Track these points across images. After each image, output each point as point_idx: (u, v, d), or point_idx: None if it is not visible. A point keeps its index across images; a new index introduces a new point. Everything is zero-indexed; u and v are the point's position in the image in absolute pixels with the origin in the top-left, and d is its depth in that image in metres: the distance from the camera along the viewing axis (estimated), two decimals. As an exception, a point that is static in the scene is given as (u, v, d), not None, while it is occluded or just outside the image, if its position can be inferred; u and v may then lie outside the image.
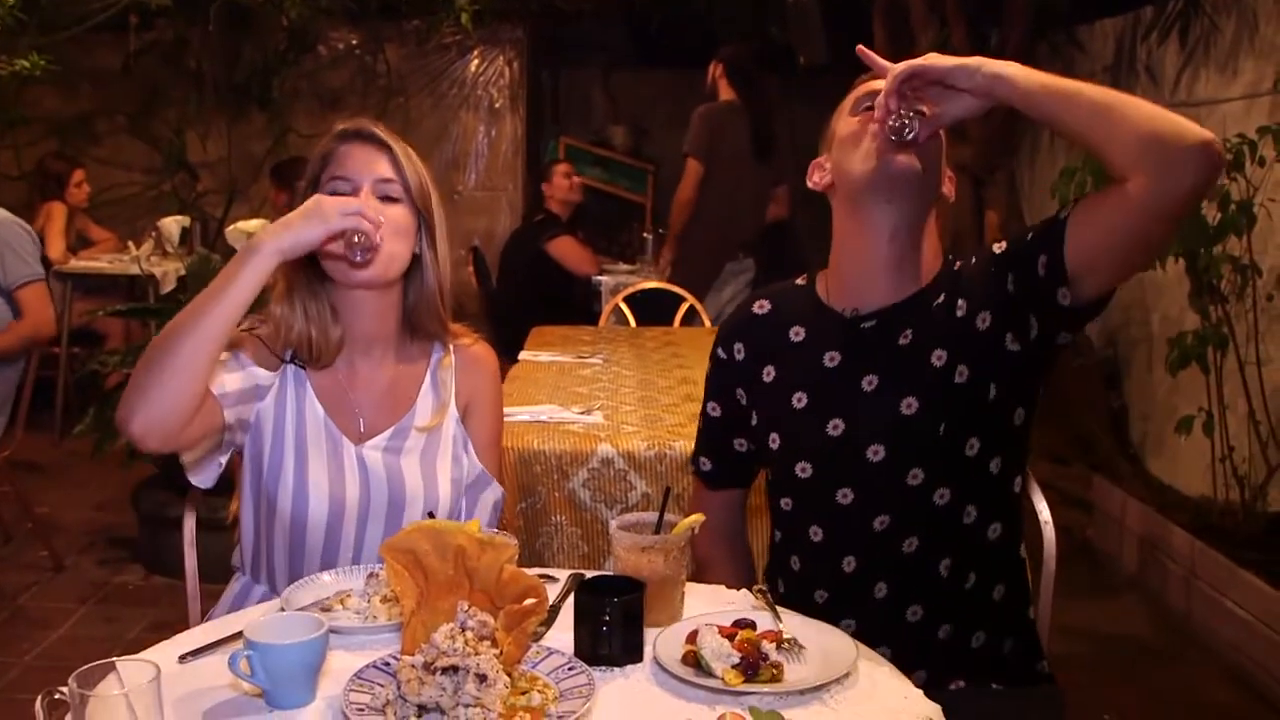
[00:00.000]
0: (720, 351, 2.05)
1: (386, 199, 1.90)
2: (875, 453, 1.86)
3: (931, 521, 1.86)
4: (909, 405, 1.85)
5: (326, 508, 1.89)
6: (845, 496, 1.89)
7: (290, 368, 1.95)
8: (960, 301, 1.86)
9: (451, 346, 2.07)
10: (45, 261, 4.51)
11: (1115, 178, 1.67)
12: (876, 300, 1.89)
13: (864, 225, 1.87)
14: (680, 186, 5.64)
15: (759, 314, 2.02)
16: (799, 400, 1.93)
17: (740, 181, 5.52)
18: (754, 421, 2.00)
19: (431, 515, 1.89)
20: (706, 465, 2.12)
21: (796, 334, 1.96)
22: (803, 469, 1.93)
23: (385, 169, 1.92)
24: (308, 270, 1.92)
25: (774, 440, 1.96)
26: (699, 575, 2.13)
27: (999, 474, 1.88)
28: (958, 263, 1.92)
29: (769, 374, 1.97)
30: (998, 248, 1.86)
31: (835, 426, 1.89)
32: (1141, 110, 1.64)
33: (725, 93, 5.63)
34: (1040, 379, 1.89)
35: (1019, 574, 1.97)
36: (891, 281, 1.88)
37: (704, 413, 2.10)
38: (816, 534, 1.94)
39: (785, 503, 1.99)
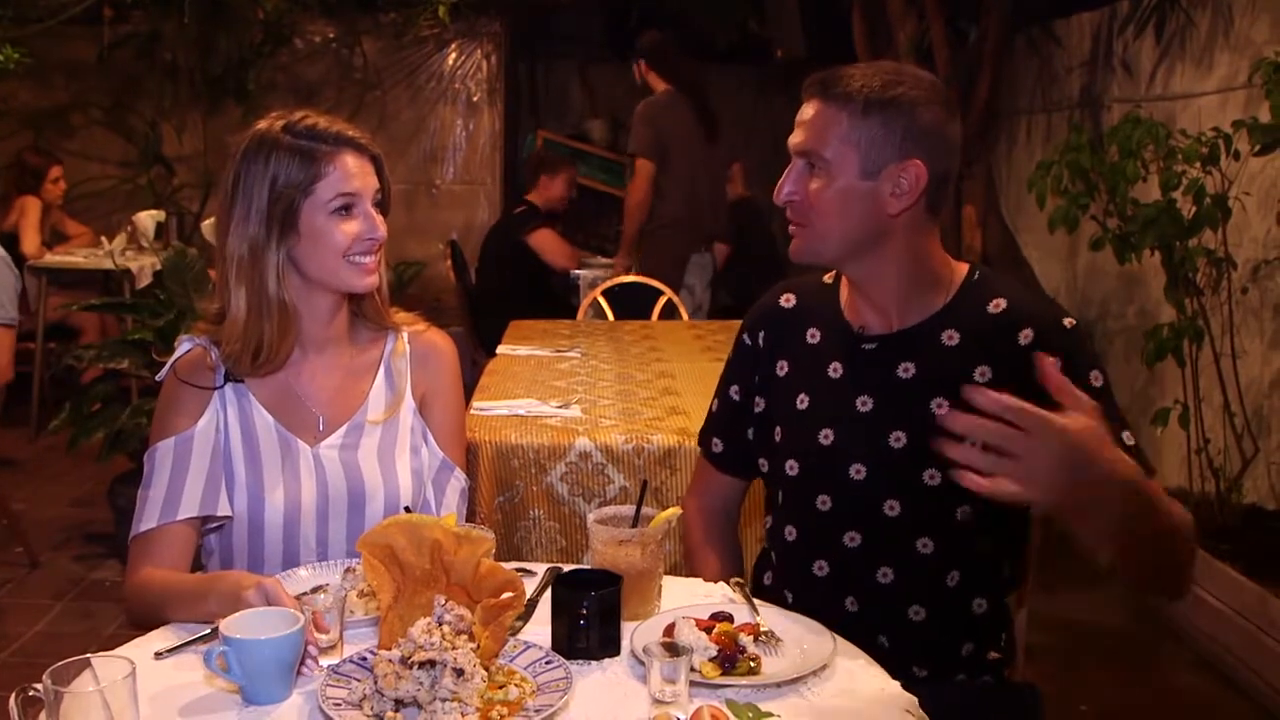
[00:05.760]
0: (746, 337, 2.05)
1: (377, 207, 1.90)
2: (858, 471, 1.85)
3: (903, 557, 1.84)
4: (897, 439, 1.82)
5: (282, 512, 1.88)
6: (824, 504, 1.88)
7: (228, 386, 1.91)
8: (967, 348, 1.80)
9: (405, 334, 2.04)
10: (19, 260, 4.45)
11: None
12: (878, 324, 1.87)
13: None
14: (631, 189, 5.49)
15: (785, 307, 2.01)
16: (802, 401, 1.92)
17: (696, 168, 5.47)
18: (763, 410, 2.00)
19: (408, 510, 1.88)
20: (718, 446, 2.11)
21: (812, 336, 1.94)
22: (791, 467, 1.93)
23: (374, 178, 1.90)
24: (263, 275, 1.87)
25: (778, 434, 1.96)
26: (686, 564, 2.14)
27: (981, 535, 1.84)
28: (976, 273, 1.86)
29: (782, 368, 1.97)
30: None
31: (826, 436, 1.88)
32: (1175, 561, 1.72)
33: (656, 84, 5.59)
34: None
35: (986, 611, 1.90)
36: (892, 310, 1.85)
37: (723, 395, 2.09)
38: (791, 534, 1.94)
39: (771, 494, 2.01)
